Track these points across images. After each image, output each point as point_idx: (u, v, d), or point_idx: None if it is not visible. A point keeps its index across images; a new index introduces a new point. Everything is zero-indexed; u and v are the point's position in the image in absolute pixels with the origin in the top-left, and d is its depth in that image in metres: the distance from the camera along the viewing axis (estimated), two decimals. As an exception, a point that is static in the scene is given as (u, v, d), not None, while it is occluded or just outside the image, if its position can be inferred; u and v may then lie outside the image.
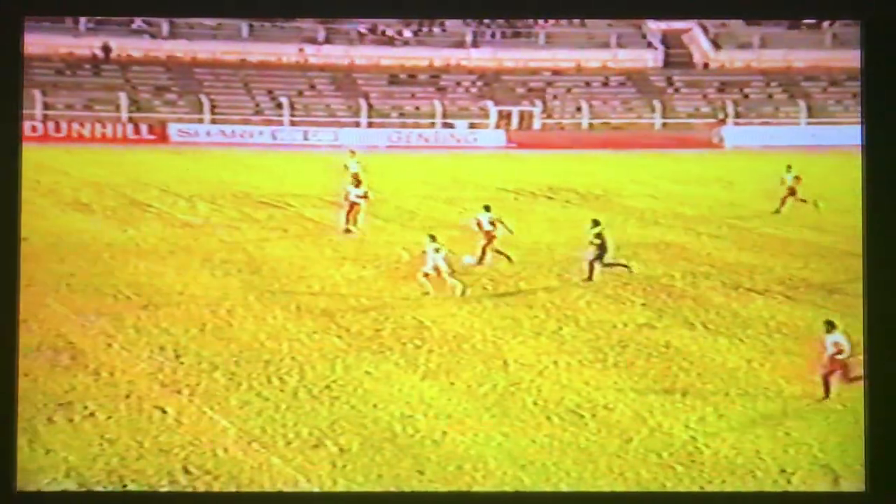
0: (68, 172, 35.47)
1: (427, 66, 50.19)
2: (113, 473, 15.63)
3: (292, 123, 46.81)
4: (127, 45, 46.29)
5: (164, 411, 17.47)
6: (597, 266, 24.49)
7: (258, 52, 48.51)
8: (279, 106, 47.07)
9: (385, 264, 25.78)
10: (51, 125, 41.41)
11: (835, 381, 18.26)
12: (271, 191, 33.99)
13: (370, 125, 47.71)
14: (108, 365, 19.11)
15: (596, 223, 24.69)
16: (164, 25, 47.53)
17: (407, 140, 46.57)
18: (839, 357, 18.19)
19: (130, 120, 43.77)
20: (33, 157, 35.62)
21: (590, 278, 24.38)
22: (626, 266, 24.95)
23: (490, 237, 25.53)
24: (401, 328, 21.49)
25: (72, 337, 20.31)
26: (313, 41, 49.42)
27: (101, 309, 21.85)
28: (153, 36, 47.36)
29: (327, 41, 49.63)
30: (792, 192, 31.78)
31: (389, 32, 50.62)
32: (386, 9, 21.38)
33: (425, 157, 42.78)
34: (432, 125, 47.50)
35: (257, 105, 47.32)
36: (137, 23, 47.01)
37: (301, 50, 49.28)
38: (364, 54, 50.04)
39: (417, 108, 48.10)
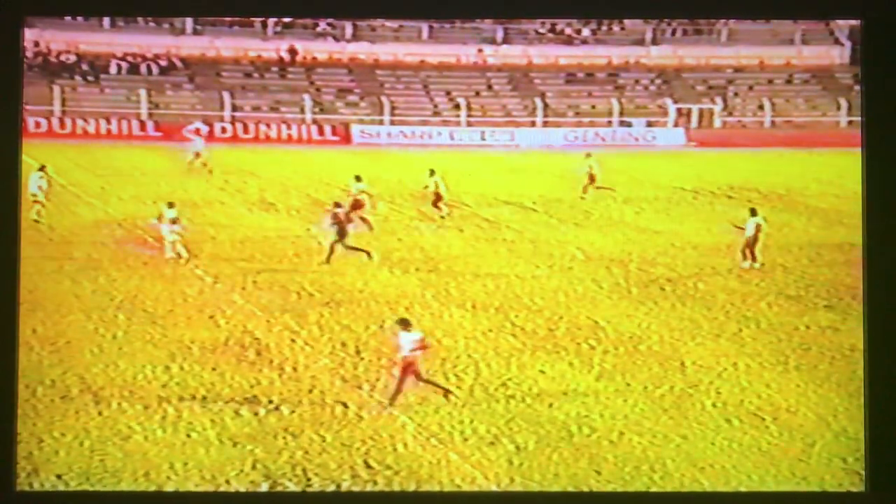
0: (255, 172, 36.53)
1: (605, 65, 49.87)
2: (297, 467, 16.04)
3: (469, 124, 47.16)
4: (312, 48, 47.41)
5: (346, 406, 17.84)
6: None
7: (437, 53, 49.01)
8: (457, 107, 47.49)
9: (559, 264, 25.77)
10: (239, 126, 42.75)
11: (409, 382, 17.78)
12: (449, 191, 34.32)
13: (546, 124, 47.66)
14: (291, 360, 19.61)
15: None
16: (348, 28, 48.51)
17: (583, 139, 46.33)
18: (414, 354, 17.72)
19: (314, 121, 44.80)
20: (222, 158, 37.04)
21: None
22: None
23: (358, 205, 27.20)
24: (575, 328, 21.45)
25: (258, 333, 20.91)
26: (492, 41, 49.67)
27: (286, 306, 22.44)
28: (337, 39, 48.37)
29: (506, 41, 49.81)
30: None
31: (568, 31, 50.47)
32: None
33: (602, 155, 42.46)
34: (609, 124, 47.16)
35: (436, 106, 47.84)
36: (322, 25, 48.09)
37: (480, 50, 49.58)
38: (542, 53, 50.01)
39: (594, 107, 47.81)
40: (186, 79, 43.27)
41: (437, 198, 30.35)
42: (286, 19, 46.49)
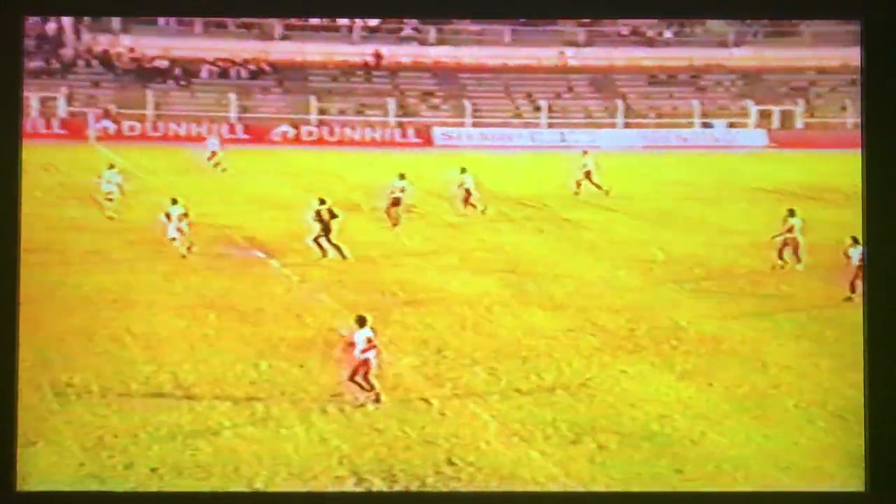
0: (341, 175, 37.00)
1: (687, 66, 49.62)
2: (382, 463, 16.32)
3: (550, 125, 47.25)
4: (397, 52, 47.84)
5: (429, 403, 18.11)
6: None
7: (519, 56, 49.16)
8: (537, 109, 47.60)
9: (639, 264, 25.82)
10: (325, 130, 43.29)
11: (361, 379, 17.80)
12: (529, 192, 34.49)
13: (627, 126, 47.57)
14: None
15: None
16: (432, 32, 48.87)
17: (664, 140, 46.19)
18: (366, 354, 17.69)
19: (397, 124, 45.21)
20: (309, 161, 37.63)
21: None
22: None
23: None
24: (655, 328, 21.52)
25: (343, 331, 21.25)
26: (574, 44, 49.70)
27: (370, 304, 22.78)
28: (421, 43, 48.75)
29: (588, 43, 49.80)
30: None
31: (650, 33, 50.31)
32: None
33: (683, 156, 42.32)
34: (690, 125, 46.94)
35: (517, 108, 48.01)
36: (407, 30, 48.50)
37: (561, 53, 49.64)
38: (624, 55, 49.93)
39: (675, 108, 47.64)
40: (275, 83, 43.98)
41: (467, 195, 30.62)
42: (372, 23, 46.98)
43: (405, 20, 47.75)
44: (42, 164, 34.32)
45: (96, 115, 39.85)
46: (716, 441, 16.85)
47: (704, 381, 18.94)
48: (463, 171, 31.54)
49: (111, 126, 39.59)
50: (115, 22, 42.83)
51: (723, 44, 50.28)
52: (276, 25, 45.05)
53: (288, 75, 44.43)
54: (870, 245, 18.24)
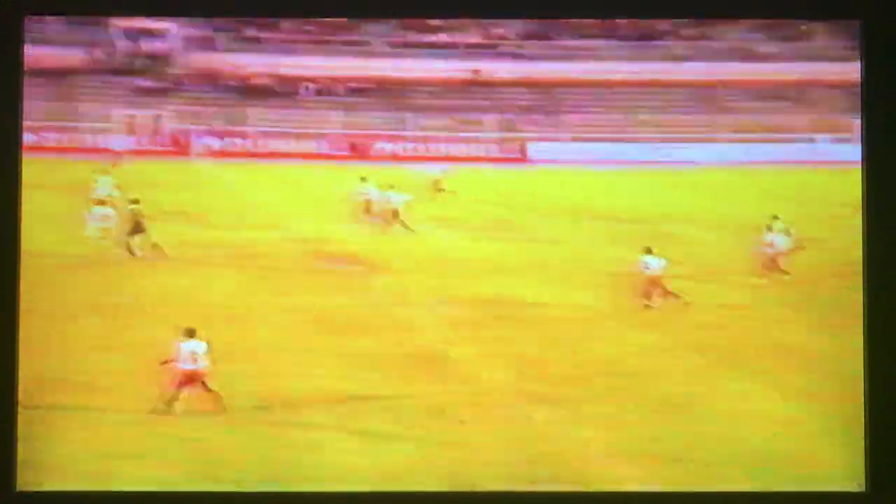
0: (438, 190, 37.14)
1: (792, 81, 48.95)
2: (483, 478, 16.33)
3: (650, 141, 46.89)
4: (495, 68, 47.88)
5: (531, 420, 18.06)
6: None
7: (620, 71, 48.81)
8: (638, 124, 47.28)
9: (746, 281, 25.45)
10: (422, 146, 43.49)
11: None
12: (627, 207, 34.26)
13: (729, 140, 47.01)
14: (476, 374, 19.92)
15: None
16: (532, 48, 48.87)
17: (768, 155, 45.53)
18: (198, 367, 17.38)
19: (495, 140, 45.28)
20: (407, 177, 37.77)
21: None
22: None
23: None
24: (761, 346, 21.19)
25: (444, 346, 21.31)
26: (676, 58, 49.27)
27: (470, 320, 22.80)
28: (520, 58, 48.76)
29: (689, 58, 49.31)
30: None
31: (755, 48, 49.67)
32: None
33: (787, 171, 41.69)
34: (794, 140, 46.23)
35: (616, 124, 47.74)
36: (506, 45, 48.57)
37: (661, 68, 49.26)
38: (727, 70, 49.34)
39: (779, 124, 46.95)
40: (376, 99, 44.38)
41: (368, 206, 30.80)
42: (472, 40, 47.17)
43: (503, 38, 47.88)
44: (147, 181, 35.05)
45: (200, 132, 40.61)
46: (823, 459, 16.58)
47: (811, 400, 18.61)
48: (363, 180, 31.95)
49: (215, 143, 40.29)
50: (221, 40, 43.64)
51: (827, 58, 49.49)
52: (379, 42, 45.49)
53: (389, 92, 44.80)
54: (870, 245, 18.49)
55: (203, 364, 18.01)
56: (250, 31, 44.36)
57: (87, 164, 34.98)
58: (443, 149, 43.90)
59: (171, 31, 43.19)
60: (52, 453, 17.11)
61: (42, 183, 32.89)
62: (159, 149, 39.63)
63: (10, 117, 18.94)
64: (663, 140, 46.80)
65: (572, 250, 25.12)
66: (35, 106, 38.92)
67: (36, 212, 29.58)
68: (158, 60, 42.71)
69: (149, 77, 41.97)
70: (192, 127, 40.31)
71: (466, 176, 40.53)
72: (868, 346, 18.02)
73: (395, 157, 41.89)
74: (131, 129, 40.07)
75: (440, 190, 33.95)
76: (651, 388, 19.23)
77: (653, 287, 23.62)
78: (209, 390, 18.12)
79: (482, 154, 44.67)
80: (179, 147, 39.61)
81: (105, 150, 37.73)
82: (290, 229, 29.68)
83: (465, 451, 17.04)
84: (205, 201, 32.36)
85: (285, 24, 45.19)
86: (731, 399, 18.84)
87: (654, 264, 23.68)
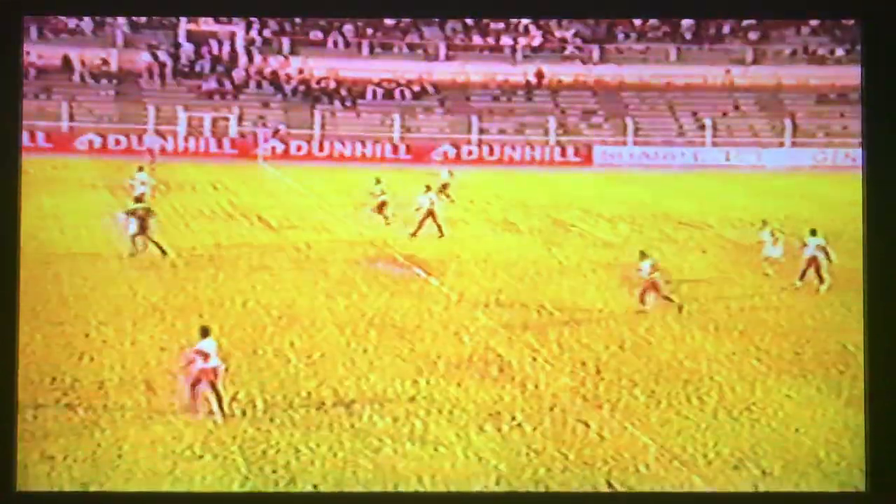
0: (499, 194, 37.17)
1: (857, 85, 48.35)
2: (539, 484, 16.23)
3: (714, 144, 46.56)
4: (559, 72, 47.89)
5: (587, 425, 17.96)
6: None
7: (684, 74, 48.63)
8: (702, 127, 46.97)
9: (806, 287, 25.16)
10: (485, 149, 43.59)
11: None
12: (691, 211, 34.02)
13: (794, 145, 46.54)
14: (533, 378, 19.89)
15: None
16: (595, 51, 48.78)
17: (832, 160, 44.99)
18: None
19: (558, 143, 45.21)
20: (469, 179, 37.87)
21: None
22: None
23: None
24: (823, 352, 20.94)
25: (500, 350, 21.31)
26: (741, 62, 48.92)
27: (527, 323, 22.78)
28: (584, 62, 48.71)
29: (755, 62, 48.93)
30: None
31: (821, 52, 49.14)
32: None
33: (852, 176, 41.15)
34: (861, 145, 45.59)
35: (680, 127, 47.47)
36: (570, 48, 48.53)
37: (727, 71, 48.91)
38: (792, 74, 48.86)
39: (845, 128, 46.36)
40: (437, 103, 44.51)
41: (382, 206, 31.11)
42: (535, 43, 47.18)
43: (567, 41, 47.76)
44: (211, 181, 35.48)
45: (265, 135, 41.01)
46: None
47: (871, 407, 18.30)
48: (378, 181, 31.89)
49: (279, 146, 40.67)
50: (286, 44, 44.03)
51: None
52: (441, 46, 45.61)
53: (450, 95, 44.89)
54: (869, 237, 18.27)
55: (215, 363, 18.05)
56: (315, 35, 44.74)
57: (152, 165, 35.53)
58: (507, 152, 43.96)
59: (236, 35, 43.79)
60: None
61: (109, 184, 33.57)
62: (224, 151, 40.11)
63: (10, 117, 18.74)
64: (729, 144, 46.46)
65: (635, 255, 24.84)
66: (103, 108, 39.64)
67: (93, 211, 30.22)
68: (223, 63, 43.23)
69: (213, 80, 42.53)
70: (257, 129, 40.77)
71: (525, 179, 40.58)
72: (868, 347, 17.88)
73: (459, 161, 41.99)
74: (196, 131, 40.61)
75: (447, 195, 33.98)
76: (713, 394, 19.03)
77: (650, 289, 23.50)
78: (216, 390, 18.01)
79: (546, 158, 44.64)
80: (244, 149, 40.08)
81: (163, 152, 38.38)
82: (348, 231, 29.83)
83: (522, 457, 16.95)
84: (266, 202, 32.61)
85: (348, 27, 45.61)
86: (790, 405, 18.60)
87: (647, 267, 23.50)
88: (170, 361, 19.71)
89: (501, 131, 44.54)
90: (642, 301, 23.53)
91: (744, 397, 18.88)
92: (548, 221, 32.69)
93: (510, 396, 19.05)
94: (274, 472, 16.66)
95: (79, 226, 29.25)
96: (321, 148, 41.15)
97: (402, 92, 43.95)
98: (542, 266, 27.26)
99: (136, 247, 26.19)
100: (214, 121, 41.00)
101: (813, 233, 25.49)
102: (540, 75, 46.92)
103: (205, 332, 18.04)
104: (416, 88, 43.94)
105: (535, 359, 20.74)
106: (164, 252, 26.26)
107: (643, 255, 23.94)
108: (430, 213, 29.71)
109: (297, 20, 44.52)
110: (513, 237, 30.90)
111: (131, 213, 26.39)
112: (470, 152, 43.22)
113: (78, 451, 16.86)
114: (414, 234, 29.38)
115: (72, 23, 41.60)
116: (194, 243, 27.87)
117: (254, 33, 43.82)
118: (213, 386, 17.88)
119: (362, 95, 43.45)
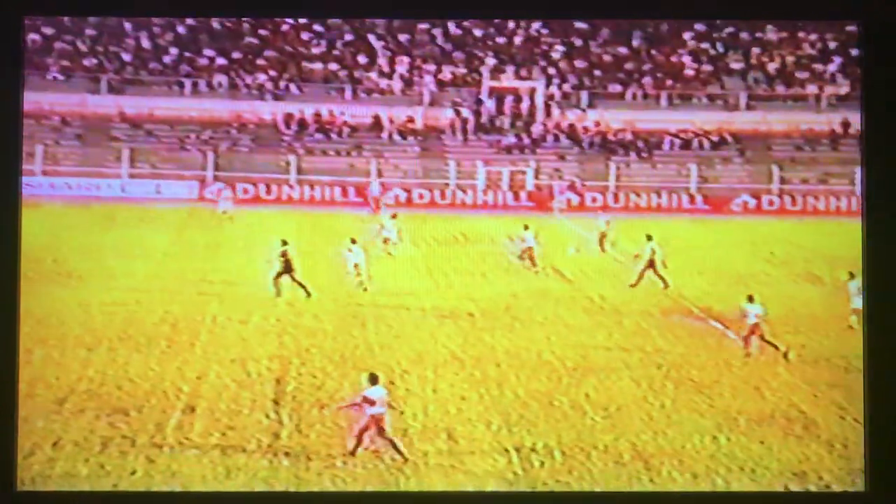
0: (801, 244, 36.04)
1: None
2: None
3: None
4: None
5: (898, 489, 17.20)
6: None
7: None
8: None
9: None
10: (787, 199, 42.41)
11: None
12: None
13: None
14: (841, 437, 19.09)
15: None
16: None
17: None
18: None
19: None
20: (767, 231, 36.89)
21: None
22: None
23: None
24: None
25: (804, 406, 20.62)
26: None
27: (832, 380, 21.90)
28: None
29: None
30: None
31: None
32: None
33: None
34: None
35: None
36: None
37: None
38: None
39: None
40: (737, 153, 43.75)
41: (528, 252, 30.94)
42: (842, 91, 45.66)
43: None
44: (508, 233, 36.07)
45: (560, 187, 41.48)
46: None
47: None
48: (526, 228, 31.53)
49: (574, 198, 41.01)
50: (584, 97, 44.52)
51: None
52: (741, 96, 44.90)
53: (750, 145, 43.99)
54: (868, 239, 18.65)
55: (381, 410, 18.22)
56: (614, 88, 44.94)
57: (449, 219, 36.61)
58: (811, 202, 42.56)
59: (536, 90, 44.56)
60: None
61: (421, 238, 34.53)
62: (521, 203, 40.84)
63: (11, 119, 19.05)
64: None
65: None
66: (408, 164, 41.20)
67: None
68: (522, 118, 44.06)
69: (512, 134, 43.39)
70: (553, 182, 41.32)
71: (830, 229, 39.12)
72: (868, 347, 18.10)
73: (760, 211, 41.04)
74: (494, 185, 41.53)
75: (604, 243, 33.18)
76: None
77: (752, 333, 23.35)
78: (386, 436, 18.31)
79: (852, 208, 42.89)
80: (540, 202, 40.64)
81: (462, 205, 39.39)
82: (643, 282, 29.54)
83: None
84: (560, 254, 32.86)
85: (647, 79, 45.52)
86: None
87: (754, 311, 23.38)
88: (469, 411, 20.19)
89: (804, 181, 43.15)
90: (746, 344, 23.27)
91: None
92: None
93: (816, 456, 18.43)
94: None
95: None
96: (616, 199, 41.22)
97: (700, 142, 43.49)
98: (849, 321, 26.14)
99: (279, 288, 26.92)
100: (512, 174, 41.82)
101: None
102: (846, 124, 45.21)
103: (374, 380, 18.42)
104: (715, 138, 43.34)
105: (843, 417, 19.93)
106: (308, 293, 26.89)
107: (750, 299, 23.68)
108: (651, 264, 29.27)
109: (597, 73, 44.97)
110: (813, 288, 29.84)
111: (280, 255, 27.12)
112: (771, 202, 42.13)
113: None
114: (634, 285, 29.09)
115: (383, 83, 43.62)
116: (491, 293, 28.45)
117: (553, 88, 44.51)
118: (383, 432, 18.25)
119: (659, 146, 43.28)
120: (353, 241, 28.30)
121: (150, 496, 17.40)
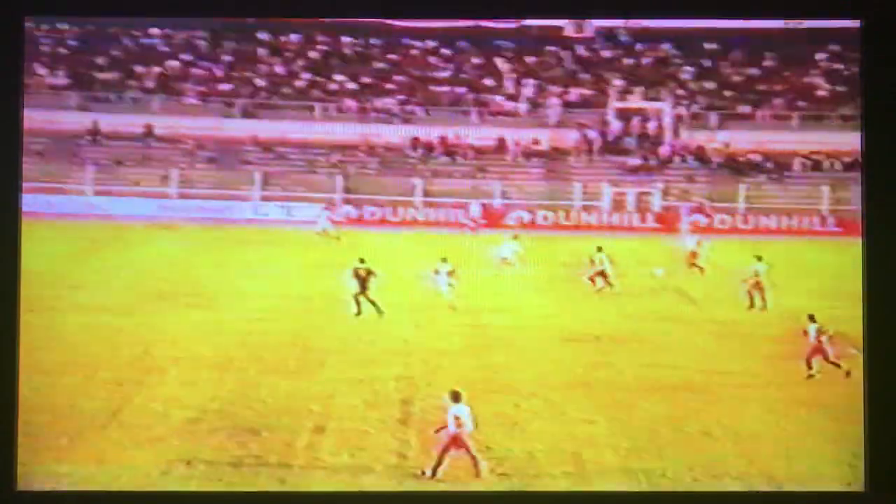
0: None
1: None
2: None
3: None
4: None
5: None
6: None
7: None
8: None
9: None
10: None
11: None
12: None
13: None
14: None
15: None
16: None
17: None
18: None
19: None
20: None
21: None
22: None
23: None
24: None
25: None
26: None
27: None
28: None
29: None
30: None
31: None
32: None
33: None
34: None
35: None
36: None
37: None
38: None
39: None
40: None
41: (601, 274, 30.74)
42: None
43: None
44: (635, 255, 35.80)
45: (689, 209, 41.07)
46: None
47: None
48: (599, 249, 31.13)
49: (702, 219, 40.58)
50: (713, 119, 44.10)
51: None
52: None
53: (884, 167, 43.06)
54: (869, 242, 19.21)
55: (468, 428, 18.07)
56: (744, 109, 44.34)
57: (581, 239, 36.51)
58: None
59: (663, 111, 44.21)
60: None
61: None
62: (647, 225, 40.55)
63: (11, 119, 18.82)
64: None
65: None
66: (533, 185, 41.26)
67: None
68: (650, 139, 43.75)
69: (639, 155, 43.11)
70: (680, 204, 40.91)
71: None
72: (868, 347, 18.10)
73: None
74: (620, 206, 41.29)
75: (694, 265, 32.73)
76: None
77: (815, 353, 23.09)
78: (472, 454, 18.18)
79: None
80: (667, 223, 40.26)
81: (588, 226, 39.28)
82: (777, 304, 29.05)
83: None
84: (687, 277, 32.50)
85: (778, 100, 44.79)
86: None
87: (814, 331, 23.18)
88: (597, 435, 20.11)
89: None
90: (809, 366, 22.92)
91: None
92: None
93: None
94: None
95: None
96: (746, 220, 40.65)
97: (831, 163, 42.64)
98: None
99: (359, 306, 27.11)
100: (639, 196, 41.56)
101: None
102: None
103: (456, 397, 18.25)
104: (848, 160, 42.48)
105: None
106: (379, 311, 27.03)
107: (811, 318, 23.20)
108: (757, 285, 28.90)
109: (727, 93, 44.53)
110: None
111: (355, 273, 27.29)
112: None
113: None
114: (752, 306, 28.95)
115: (509, 105, 43.87)
116: (617, 316, 28.28)
117: (682, 109, 44.16)
118: (469, 450, 18.15)
119: (790, 168, 42.56)
120: (444, 260, 28.57)
121: (150, 496, 17.54)
